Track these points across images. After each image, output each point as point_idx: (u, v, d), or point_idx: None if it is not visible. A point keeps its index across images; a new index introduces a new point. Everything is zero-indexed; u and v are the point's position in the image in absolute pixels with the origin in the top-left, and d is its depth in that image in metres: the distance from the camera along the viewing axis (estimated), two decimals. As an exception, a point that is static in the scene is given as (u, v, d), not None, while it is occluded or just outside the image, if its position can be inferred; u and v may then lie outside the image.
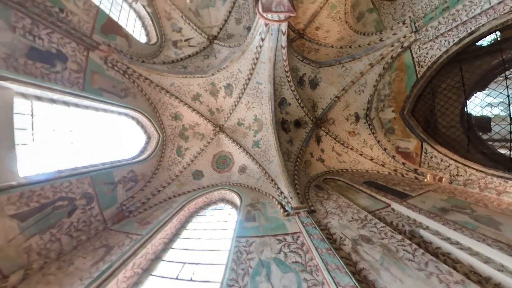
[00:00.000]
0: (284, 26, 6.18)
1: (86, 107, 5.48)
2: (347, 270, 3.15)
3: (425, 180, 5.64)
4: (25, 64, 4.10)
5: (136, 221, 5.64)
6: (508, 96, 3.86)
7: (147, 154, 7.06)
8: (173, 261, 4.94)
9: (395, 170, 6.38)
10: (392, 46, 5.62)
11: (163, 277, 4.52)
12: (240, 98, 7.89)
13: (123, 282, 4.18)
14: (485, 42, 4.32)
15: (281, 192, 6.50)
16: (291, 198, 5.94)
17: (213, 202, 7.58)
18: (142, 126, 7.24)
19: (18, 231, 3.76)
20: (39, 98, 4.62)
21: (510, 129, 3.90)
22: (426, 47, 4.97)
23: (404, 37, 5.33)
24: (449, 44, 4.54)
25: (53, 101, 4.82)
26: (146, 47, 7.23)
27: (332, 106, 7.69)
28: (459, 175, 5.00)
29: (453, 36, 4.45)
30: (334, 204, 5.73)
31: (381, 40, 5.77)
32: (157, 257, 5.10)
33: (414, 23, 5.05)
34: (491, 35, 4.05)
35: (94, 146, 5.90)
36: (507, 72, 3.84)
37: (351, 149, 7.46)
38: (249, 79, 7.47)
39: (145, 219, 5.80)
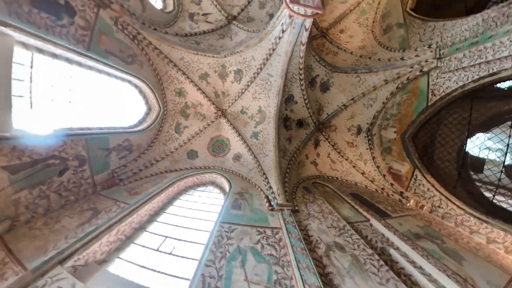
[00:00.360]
0: (308, 22, 5.90)
1: (90, 67, 5.27)
2: (315, 271, 3.39)
3: (408, 204, 5.88)
4: (29, 13, 3.84)
5: (125, 190, 5.75)
6: (508, 144, 3.93)
7: (145, 125, 6.99)
8: (156, 233, 5.15)
9: (382, 189, 6.59)
10: (412, 67, 5.48)
11: (144, 246, 4.74)
12: (248, 86, 7.71)
13: (106, 246, 4.37)
14: (503, 85, 4.28)
15: (270, 187, 6.67)
16: (279, 194, 6.13)
17: (203, 183, 7.74)
18: (144, 97, 7.07)
19: (7, 182, 3.80)
20: (40, 51, 4.40)
21: (499, 177, 4.03)
22: (444, 77, 4.88)
23: (426, 61, 5.19)
24: (467, 80, 4.47)
25: (55, 56, 4.60)
26: (161, 14, 6.80)
27: (338, 113, 7.64)
28: (440, 207, 5.23)
29: (473, 72, 4.37)
30: (318, 208, 5.96)
31: (402, 58, 5.60)
32: (141, 227, 5.30)
33: (440, 50, 4.89)
34: (511, 80, 4.00)
35: (92, 109, 5.78)
36: (514, 121, 3.88)
37: (346, 159, 7.58)
38: (261, 68, 7.25)
39: (135, 189, 5.91)
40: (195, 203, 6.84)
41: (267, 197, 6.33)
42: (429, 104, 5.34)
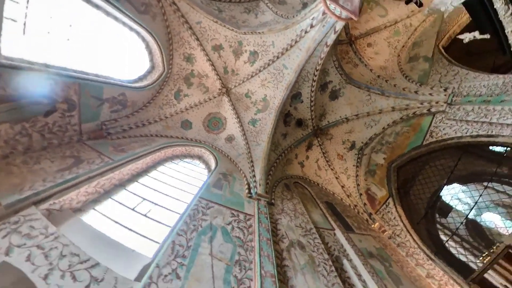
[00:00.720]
0: (339, 25, 5.60)
1: (97, 6, 4.74)
2: (274, 261, 3.74)
3: (373, 225, 6.40)
4: None
5: (112, 145, 5.65)
6: (476, 202, 4.27)
7: (145, 83, 6.64)
8: (134, 194, 5.26)
9: (355, 206, 7.05)
10: (422, 104, 5.52)
11: (121, 203, 4.85)
12: (260, 71, 7.42)
13: (83, 196, 4.43)
14: (495, 148, 4.49)
15: (254, 176, 6.86)
16: (260, 184, 6.36)
17: (190, 156, 7.76)
18: (150, 53, 6.59)
19: (-11, 112, 3.59)
20: (45, -27, 3.86)
21: (457, 226, 4.45)
22: (447, 123, 5.01)
23: (437, 103, 5.24)
24: (466, 134, 4.64)
25: (61, -17, 4.07)
26: (188, -36, 6.06)
27: (338, 124, 7.70)
28: (399, 236, 5.76)
29: (474, 128, 4.52)
30: (292, 206, 6.31)
31: (416, 92, 5.59)
32: (121, 185, 5.36)
33: (453, 96, 4.93)
34: (503, 147, 4.20)
35: (91, 53, 5.33)
36: (489, 184, 4.17)
37: (332, 169, 7.86)
38: (278, 57, 6.94)
39: (121, 146, 5.83)
40: (178, 172, 6.93)
41: (248, 184, 6.53)
42: (424, 143, 5.54)
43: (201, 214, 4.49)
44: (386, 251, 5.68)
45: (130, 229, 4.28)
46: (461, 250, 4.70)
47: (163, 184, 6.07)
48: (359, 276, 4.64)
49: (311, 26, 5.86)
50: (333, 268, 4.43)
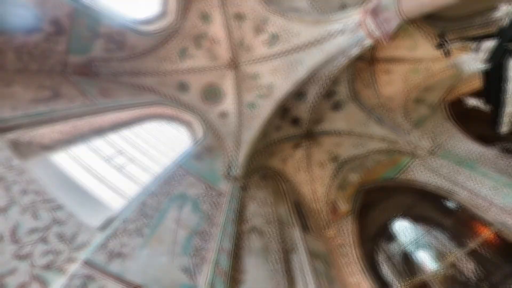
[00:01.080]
0: (368, 42, 5.46)
1: None
2: (233, 239, 4.11)
3: (327, 233, 7.14)
4: None
5: (98, 87, 5.14)
6: (416, 240, 5.01)
7: (150, 28, 5.89)
8: (112, 144, 5.04)
9: (319, 211, 7.69)
10: (408, 144, 5.93)
11: (95, 151, 4.65)
12: (274, 57, 7.06)
13: (57, 134, 4.13)
14: (448, 203, 5.18)
15: (237, 158, 6.94)
16: (240, 168, 6.52)
17: (179, 120, 7.45)
18: (165, -3, 5.76)
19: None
20: None
21: (393, 253, 5.24)
22: (420, 169, 5.54)
23: (421, 148, 5.68)
24: (431, 183, 5.22)
25: None
26: None
27: (330, 135, 7.93)
28: (345, 247, 6.56)
29: (439, 181, 5.12)
30: (263, 196, 6.68)
31: (408, 132, 5.95)
32: (99, 131, 5.05)
33: (436, 148, 5.39)
34: (456, 205, 4.84)
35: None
36: (433, 230, 4.90)
37: (309, 173, 8.28)
38: (297, 50, 6.62)
39: (108, 91, 5.34)
40: (162, 133, 6.71)
41: (229, 164, 6.63)
42: (396, 178, 6.09)
43: (176, 182, 4.54)
44: (330, 256, 6.46)
45: (101, 180, 4.18)
46: (390, 273, 5.59)
47: (143, 142, 5.86)
48: (302, 271, 5.28)
49: (341, 33, 5.61)
50: (282, 259, 4.98)
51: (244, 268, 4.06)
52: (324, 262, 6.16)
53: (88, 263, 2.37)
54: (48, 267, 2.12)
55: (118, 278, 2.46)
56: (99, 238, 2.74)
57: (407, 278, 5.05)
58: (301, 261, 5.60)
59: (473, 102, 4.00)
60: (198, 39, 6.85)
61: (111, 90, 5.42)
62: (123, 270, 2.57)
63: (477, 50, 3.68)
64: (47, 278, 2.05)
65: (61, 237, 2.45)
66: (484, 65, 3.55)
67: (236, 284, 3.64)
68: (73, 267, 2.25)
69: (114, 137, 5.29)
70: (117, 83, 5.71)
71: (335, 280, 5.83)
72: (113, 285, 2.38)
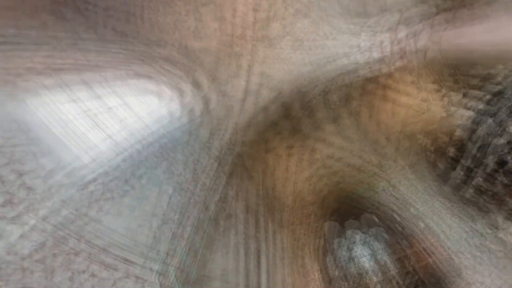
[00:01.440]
0: (385, 68, 5.35)
1: None
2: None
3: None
4: None
5: (79, 22, 4.06)
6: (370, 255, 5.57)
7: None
8: (84, 102, 4.14)
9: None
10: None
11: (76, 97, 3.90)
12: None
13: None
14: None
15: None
16: None
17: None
18: None
19: None
20: None
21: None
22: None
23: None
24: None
25: None
26: None
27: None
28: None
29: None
30: None
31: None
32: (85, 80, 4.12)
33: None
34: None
35: None
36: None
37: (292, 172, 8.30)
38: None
39: (97, 29, 4.31)
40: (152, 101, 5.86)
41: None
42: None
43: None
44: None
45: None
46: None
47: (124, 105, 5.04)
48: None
49: (366, 44, 5.39)
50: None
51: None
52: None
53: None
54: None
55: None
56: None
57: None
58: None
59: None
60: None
61: (99, 28, 4.37)
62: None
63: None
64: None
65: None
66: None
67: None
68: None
69: (89, 92, 4.41)
70: (108, 19, 4.58)
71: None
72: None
